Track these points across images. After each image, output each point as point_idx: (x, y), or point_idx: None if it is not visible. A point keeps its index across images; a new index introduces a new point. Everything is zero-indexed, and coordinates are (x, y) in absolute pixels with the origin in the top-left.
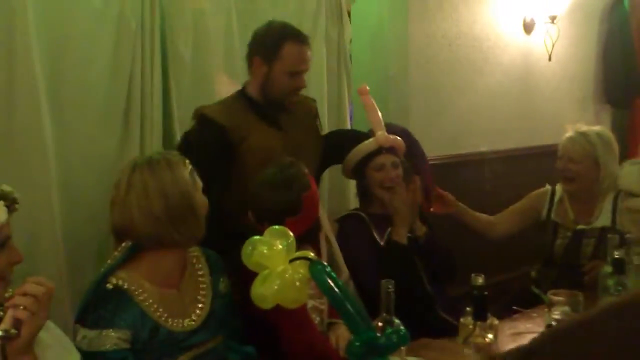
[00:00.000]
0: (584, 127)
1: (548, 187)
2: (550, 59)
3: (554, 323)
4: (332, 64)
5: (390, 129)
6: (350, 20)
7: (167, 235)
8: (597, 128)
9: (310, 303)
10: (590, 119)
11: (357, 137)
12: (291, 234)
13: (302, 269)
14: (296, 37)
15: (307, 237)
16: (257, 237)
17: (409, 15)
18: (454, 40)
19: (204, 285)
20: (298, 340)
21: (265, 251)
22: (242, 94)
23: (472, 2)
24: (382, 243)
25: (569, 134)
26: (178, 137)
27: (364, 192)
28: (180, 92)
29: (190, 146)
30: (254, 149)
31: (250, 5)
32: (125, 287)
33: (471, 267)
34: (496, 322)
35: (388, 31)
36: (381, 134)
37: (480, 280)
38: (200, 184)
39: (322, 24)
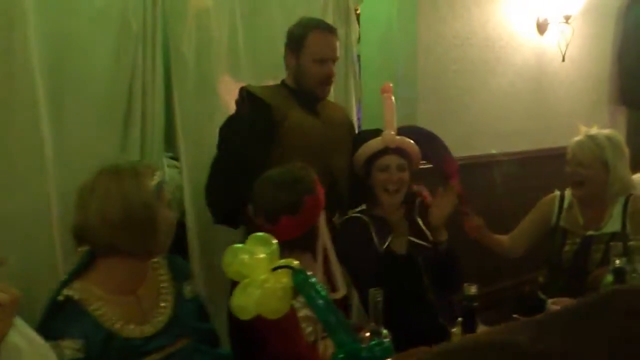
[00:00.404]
0: (593, 131)
1: (557, 192)
2: (564, 60)
3: None
4: (339, 63)
5: (412, 133)
6: (359, 20)
7: (121, 245)
8: (606, 131)
9: (303, 312)
10: (605, 120)
11: (370, 135)
12: (274, 241)
13: (284, 278)
14: (320, 26)
15: (303, 244)
16: (238, 245)
17: (418, 15)
18: (465, 40)
19: (166, 291)
20: (284, 352)
21: (246, 259)
22: (282, 83)
23: (484, 1)
24: (382, 248)
25: (578, 137)
26: (180, 140)
27: (369, 193)
28: (183, 95)
29: (234, 124)
30: (293, 129)
31: (255, 6)
32: (77, 297)
33: (480, 271)
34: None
35: (397, 31)
36: (387, 132)
37: (473, 289)
38: (168, 198)
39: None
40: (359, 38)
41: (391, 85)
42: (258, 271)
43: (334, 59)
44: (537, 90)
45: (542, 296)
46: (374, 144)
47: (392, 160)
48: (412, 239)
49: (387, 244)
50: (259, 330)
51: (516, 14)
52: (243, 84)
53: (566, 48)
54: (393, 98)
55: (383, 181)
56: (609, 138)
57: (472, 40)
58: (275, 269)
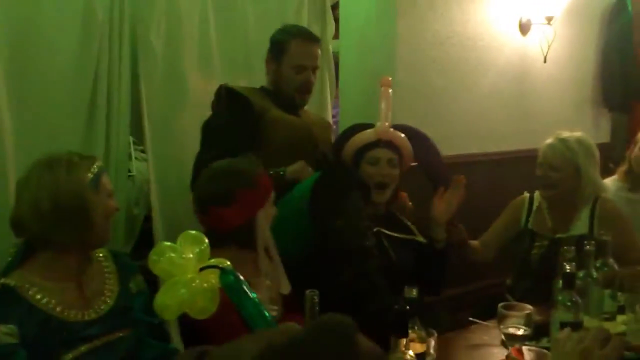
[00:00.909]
0: (564, 134)
1: (526, 194)
2: (545, 61)
3: (503, 337)
4: None
5: (406, 130)
6: (339, 19)
7: (55, 237)
8: (577, 134)
9: (267, 294)
10: (588, 122)
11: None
12: (206, 241)
13: (212, 278)
14: (302, 34)
15: (239, 240)
16: (166, 243)
17: (397, 13)
18: (445, 39)
19: (110, 281)
20: None
21: (173, 258)
22: (261, 88)
23: (465, 0)
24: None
25: (549, 140)
26: (147, 134)
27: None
28: (151, 85)
29: (215, 120)
30: (275, 122)
31: None
32: (13, 284)
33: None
34: (433, 335)
35: (376, 29)
36: (381, 124)
37: (414, 292)
38: (109, 190)
39: (304, 20)
40: (339, 35)
41: (390, 79)
42: (185, 270)
43: (313, 68)
44: (519, 91)
45: (510, 298)
46: (365, 135)
47: (383, 153)
48: (387, 232)
49: None
50: (206, 325)
51: (498, 13)
52: (214, 80)
53: (548, 49)
54: (391, 91)
55: (371, 175)
56: (580, 142)
57: (453, 39)
58: (203, 268)
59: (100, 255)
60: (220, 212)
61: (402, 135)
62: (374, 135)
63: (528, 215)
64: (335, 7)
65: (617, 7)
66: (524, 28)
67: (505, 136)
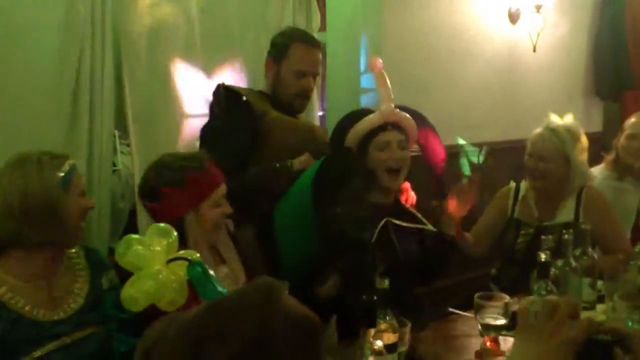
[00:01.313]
0: (553, 123)
1: (512, 184)
2: (535, 50)
3: (479, 328)
4: None
5: (405, 111)
6: (326, 10)
7: (23, 235)
8: (566, 123)
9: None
10: (580, 112)
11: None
12: (175, 233)
13: (180, 270)
14: (305, 39)
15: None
16: (134, 235)
17: (383, 3)
18: (432, 29)
19: (81, 279)
20: None
21: (140, 250)
22: (259, 91)
23: None
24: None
25: (539, 130)
26: (130, 128)
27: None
28: (134, 82)
29: (213, 123)
30: (275, 122)
31: None
32: None
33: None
34: (407, 325)
35: (362, 20)
36: (386, 106)
37: (385, 282)
38: (81, 188)
39: (288, 10)
40: (325, 27)
41: (380, 60)
42: (153, 263)
43: (314, 74)
44: (509, 80)
45: (495, 288)
46: (370, 120)
47: (392, 136)
48: (396, 221)
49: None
50: None
51: (487, 3)
52: (198, 73)
53: (537, 38)
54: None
55: (383, 160)
56: (569, 131)
57: (440, 29)
58: (171, 260)
59: (73, 251)
60: (173, 193)
61: (406, 114)
62: (379, 118)
63: (514, 205)
64: (321, 3)
65: None
66: (513, 17)
67: (495, 126)
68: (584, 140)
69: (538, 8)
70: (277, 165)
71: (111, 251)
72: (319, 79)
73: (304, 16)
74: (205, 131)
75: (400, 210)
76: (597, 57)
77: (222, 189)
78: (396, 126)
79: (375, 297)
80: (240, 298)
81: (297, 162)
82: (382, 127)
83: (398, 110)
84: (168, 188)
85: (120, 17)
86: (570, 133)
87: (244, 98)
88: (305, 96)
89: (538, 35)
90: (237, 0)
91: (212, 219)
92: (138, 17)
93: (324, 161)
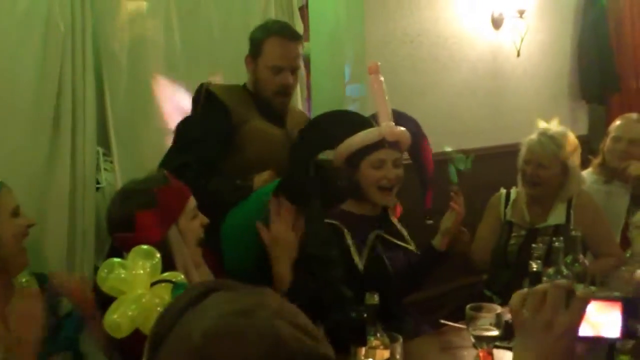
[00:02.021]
0: (550, 130)
1: (503, 190)
2: (519, 55)
3: (472, 340)
4: None
5: (399, 118)
6: (308, 19)
7: None
8: (560, 129)
9: None
10: (565, 115)
11: (357, 121)
12: (158, 255)
13: (164, 293)
14: (280, 32)
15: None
16: (116, 259)
17: (366, 11)
18: (415, 37)
19: (36, 309)
20: None
21: (123, 274)
22: (244, 86)
23: None
24: (358, 256)
25: (534, 136)
26: (113, 144)
27: (352, 188)
28: (116, 97)
29: (189, 122)
30: (254, 133)
31: (192, 4)
32: None
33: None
34: (398, 340)
35: (345, 28)
36: (387, 125)
37: (375, 298)
38: (12, 208)
39: None
40: (308, 37)
41: (378, 64)
42: (136, 286)
43: (292, 69)
44: (493, 86)
45: (487, 293)
46: (368, 136)
47: (388, 154)
48: (385, 235)
49: (365, 261)
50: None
51: (469, 9)
52: (180, 87)
53: (521, 43)
54: (382, 79)
55: (377, 179)
56: (565, 137)
57: (423, 37)
58: (155, 283)
59: (24, 281)
60: (148, 217)
61: (405, 130)
62: (377, 136)
63: (505, 209)
64: (303, 9)
65: None
66: (496, 23)
67: (481, 132)
68: (579, 147)
69: (521, 13)
70: (238, 182)
71: (96, 270)
72: (302, 75)
73: None
74: (181, 131)
75: (387, 223)
76: (581, 60)
77: (192, 200)
78: (394, 144)
79: (365, 314)
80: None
81: (258, 181)
82: (379, 145)
83: (398, 129)
84: (141, 211)
85: (101, 32)
86: (566, 139)
87: (225, 104)
88: (284, 93)
89: (522, 40)
90: (218, 12)
91: (194, 232)
92: (118, 32)
93: (280, 184)
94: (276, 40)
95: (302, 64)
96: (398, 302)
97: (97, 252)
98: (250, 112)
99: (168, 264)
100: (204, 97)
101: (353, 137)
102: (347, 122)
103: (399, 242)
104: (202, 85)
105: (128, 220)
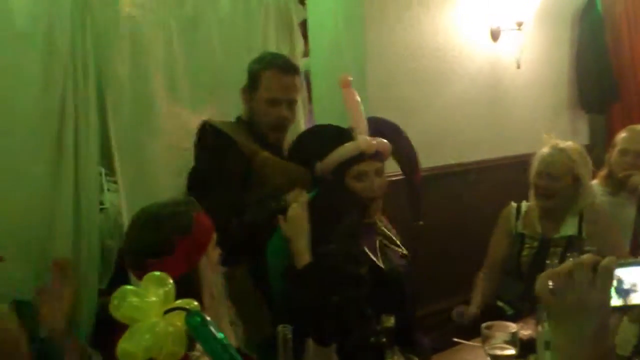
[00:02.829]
0: (561, 144)
1: (513, 204)
2: (519, 67)
3: (488, 359)
4: None
5: (378, 125)
6: (307, 34)
7: None
8: (571, 143)
9: None
10: (565, 126)
11: (335, 135)
12: (170, 281)
13: (178, 320)
14: (277, 65)
15: (181, 293)
16: (128, 286)
17: (365, 26)
18: (416, 50)
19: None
20: None
21: (135, 302)
22: (239, 120)
23: (434, 10)
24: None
25: (547, 150)
26: (117, 164)
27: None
28: (119, 115)
29: (202, 167)
30: (267, 163)
31: (192, 21)
32: None
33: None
34: None
35: (344, 43)
36: (363, 139)
37: (391, 321)
38: None
39: (272, 39)
40: (308, 52)
41: (350, 78)
42: (149, 314)
43: (289, 101)
44: (494, 98)
45: (500, 304)
46: (347, 150)
47: (369, 166)
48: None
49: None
50: None
51: (468, 22)
52: (182, 105)
53: (520, 55)
54: (355, 92)
55: (360, 191)
56: (577, 150)
57: (423, 50)
58: (168, 310)
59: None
60: (186, 243)
61: (382, 140)
62: (355, 150)
63: (516, 222)
64: (303, 25)
65: (586, 7)
66: (495, 35)
67: (481, 144)
68: (589, 159)
69: (519, 25)
70: (273, 204)
71: (101, 292)
72: (300, 105)
73: (288, 44)
74: (193, 177)
75: (381, 230)
76: (580, 70)
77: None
78: (374, 155)
79: (384, 339)
80: None
81: (289, 199)
82: (359, 157)
83: (374, 141)
84: (179, 236)
85: (102, 51)
86: (579, 153)
87: (234, 139)
88: (280, 128)
89: (521, 51)
90: (219, 29)
91: (216, 261)
92: (119, 50)
93: (315, 196)
94: (273, 73)
95: (299, 97)
96: (412, 314)
97: (101, 274)
98: (253, 144)
99: (194, 292)
100: (210, 135)
101: (332, 153)
102: (326, 136)
103: (396, 248)
104: (204, 123)
105: (166, 244)
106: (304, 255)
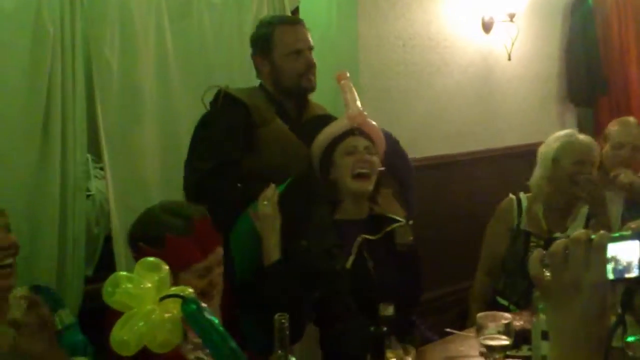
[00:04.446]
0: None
1: (512, 196)
2: (510, 58)
3: (483, 349)
4: None
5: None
6: None
7: None
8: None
9: (193, 355)
10: (553, 118)
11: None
12: (166, 267)
13: (173, 308)
14: (285, 20)
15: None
16: (122, 273)
17: (358, 15)
18: (408, 40)
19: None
20: None
21: (130, 289)
22: (261, 87)
23: (427, 1)
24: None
25: (574, 138)
26: (104, 151)
27: (330, 190)
28: (107, 101)
29: (209, 125)
30: (274, 135)
31: (184, 6)
32: None
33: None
34: (412, 352)
35: (337, 33)
36: (353, 110)
37: (390, 310)
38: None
39: None
40: None
41: (347, 73)
42: (144, 301)
43: (309, 48)
44: (485, 89)
45: (503, 301)
46: (337, 125)
47: (359, 141)
48: (371, 237)
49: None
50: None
51: (460, 13)
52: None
53: (512, 47)
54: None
55: (351, 164)
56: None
57: (416, 41)
58: (163, 298)
59: (20, 294)
60: (148, 252)
61: (374, 122)
62: (346, 122)
63: (519, 216)
64: (295, 13)
65: (577, 1)
66: (487, 26)
67: (471, 136)
68: None
69: (511, 17)
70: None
71: (87, 280)
72: None
73: None
74: (201, 135)
75: (375, 224)
76: (569, 63)
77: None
78: (363, 132)
79: (384, 328)
80: None
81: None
82: (348, 133)
83: (364, 115)
84: (171, 235)
85: (91, 36)
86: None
87: (244, 101)
88: (311, 72)
89: (512, 43)
90: (211, 15)
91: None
92: (109, 35)
93: (285, 190)
94: (285, 29)
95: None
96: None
97: (87, 260)
98: (270, 114)
99: None
100: (222, 99)
101: (323, 131)
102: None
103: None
104: (219, 90)
105: (157, 238)
106: (274, 253)
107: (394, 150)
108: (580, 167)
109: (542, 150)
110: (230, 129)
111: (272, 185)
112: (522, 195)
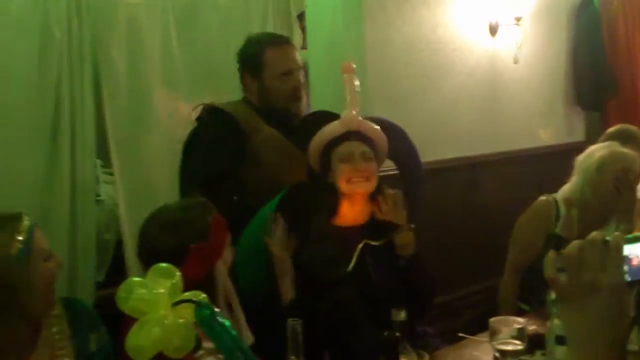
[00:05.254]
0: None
1: (550, 198)
2: (516, 62)
3: (496, 354)
4: None
5: (379, 122)
6: (305, 26)
7: None
8: None
9: None
10: (561, 122)
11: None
12: (178, 273)
13: (186, 313)
14: (274, 41)
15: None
16: (135, 278)
17: (364, 19)
18: (414, 44)
19: (63, 351)
20: None
21: (143, 294)
22: (245, 100)
23: (433, 4)
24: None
25: (617, 148)
26: (113, 153)
27: (328, 195)
28: (115, 105)
29: (196, 139)
30: (268, 141)
31: (189, 10)
32: None
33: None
34: (425, 357)
35: (343, 36)
36: (347, 113)
37: (402, 315)
38: (45, 250)
39: (269, 30)
40: (306, 44)
41: (353, 65)
42: (158, 307)
43: (299, 69)
44: (491, 93)
45: (525, 307)
46: (331, 128)
47: (354, 147)
48: (373, 242)
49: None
50: None
51: (467, 16)
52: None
53: (518, 50)
54: (356, 80)
55: (347, 173)
56: None
57: (422, 44)
58: (176, 303)
59: (54, 313)
60: (200, 249)
61: (375, 126)
62: (340, 127)
63: (557, 221)
64: (301, 17)
65: (583, 3)
66: (493, 30)
67: (478, 139)
68: None
69: (518, 20)
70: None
71: (98, 285)
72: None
73: (286, 34)
74: (189, 148)
75: (377, 229)
76: (576, 66)
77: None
78: (359, 135)
79: (397, 333)
80: None
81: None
82: (344, 137)
83: (360, 118)
84: (195, 243)
85: (98, 40)
86: None
87: (231, 114)
88: (298, 97)
89: (519, 47)
90: (217, 20)
91: (228, 262)
92: (116, 40)
93: (281, 200)
94: (275, 50)
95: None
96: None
97: (98, 266)
98: (258, 123)
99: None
100: (207, 113)
101: (319, 134)
102: (315, 120)
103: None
104: (203, 107)
105: (179, 252)
106: (288, 294)
107: (400, 139)
108: (625, 174)
109: (581, 159)
110: (219, 140)
111: (280, 225)
112: (559, 198)
